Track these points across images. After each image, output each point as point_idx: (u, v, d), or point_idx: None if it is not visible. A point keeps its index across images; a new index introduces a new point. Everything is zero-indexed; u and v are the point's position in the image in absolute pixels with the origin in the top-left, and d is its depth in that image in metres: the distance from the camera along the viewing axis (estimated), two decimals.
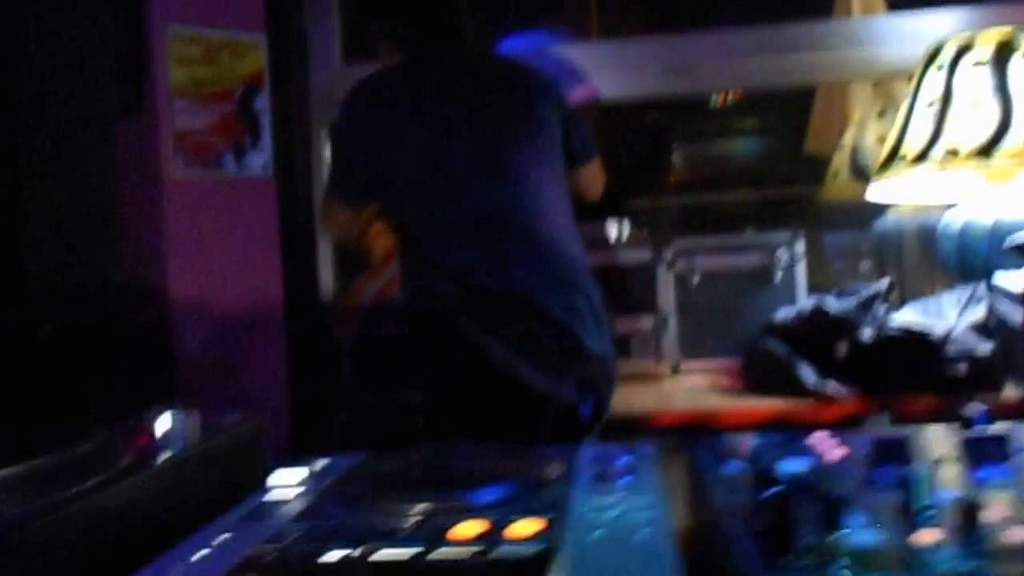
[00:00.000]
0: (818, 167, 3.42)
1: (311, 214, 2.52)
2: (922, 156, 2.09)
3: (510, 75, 2.05)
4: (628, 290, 2.47)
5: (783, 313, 2.25)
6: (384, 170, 1.93)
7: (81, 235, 2.32)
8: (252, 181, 2.32)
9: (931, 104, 2.13)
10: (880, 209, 2.64)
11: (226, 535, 0.66)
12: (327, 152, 2.67)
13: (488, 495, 0.66)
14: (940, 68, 2.14)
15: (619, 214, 2.53)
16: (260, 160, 2.32)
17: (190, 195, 2.25)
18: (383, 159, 1.93)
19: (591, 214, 2.42)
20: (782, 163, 3.65)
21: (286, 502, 0.74)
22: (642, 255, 2.48)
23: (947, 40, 2.15)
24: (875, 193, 2.28)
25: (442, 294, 1.94)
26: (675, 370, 2.45)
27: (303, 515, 0.69)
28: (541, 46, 2.70)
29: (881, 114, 2.76)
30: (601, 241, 2.50)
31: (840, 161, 2.82)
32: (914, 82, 2.21)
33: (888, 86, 3.13)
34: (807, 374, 2.06)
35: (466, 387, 1.88)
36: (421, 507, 0.65)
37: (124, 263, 2.29)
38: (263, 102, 2.33)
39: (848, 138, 2.83)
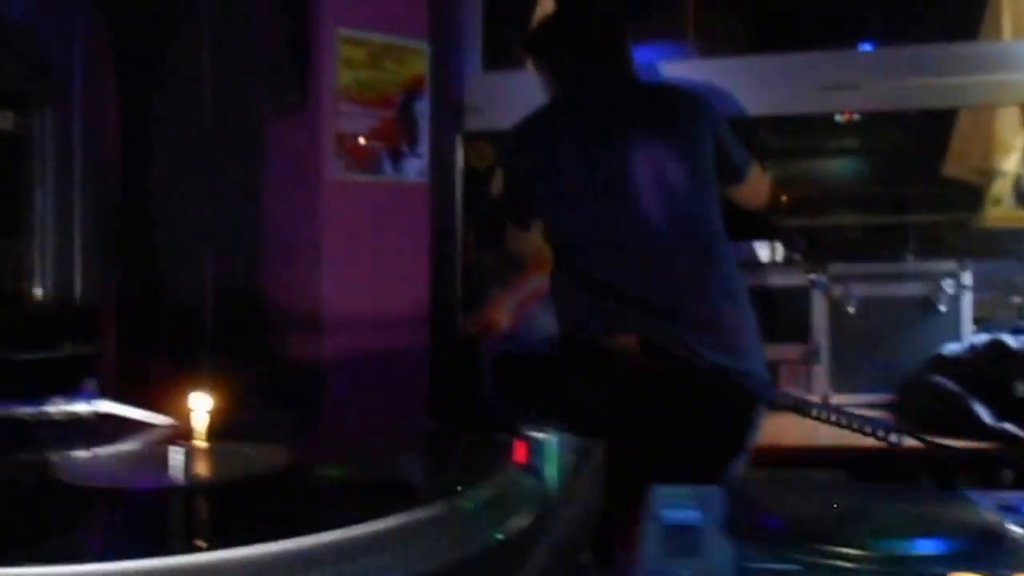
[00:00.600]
0: (960, 191, 3.31)
1: (456, 221, 2.51)
2: None
3: (665, 97, 2.07)
4: (779, 315, 2.40)
5: (951, 348, 2.16)
6: (549, 196, 1.99)
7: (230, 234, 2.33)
8: (408, 186, 2.31)
9: None
10: None
11: None
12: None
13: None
14: None
15: (771, 234, 2.46)
16: (417, 166, 2.31)
17: (348, 196, 2.24)
18: (548, 186, 1.99)
19: (741, 233, 2.36)
20: (919, 185, 3.53)
21: None
22: (796, 279, 2.41)
23: None
24: None
25: (603, 314, 1.93)
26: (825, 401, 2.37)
27: None
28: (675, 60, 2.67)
29: None
30: (751, 263, 2.43)
31: (1002, 187, 2.71)
32: None
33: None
34: (983, 413, 1.97)
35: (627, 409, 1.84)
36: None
37: (277, 262, 2.29)
38: (423, 107, 2.32)
39: (1011, 164, 2.71)
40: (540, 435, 0.83)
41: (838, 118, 4.15)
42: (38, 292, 2.22)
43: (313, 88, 2.21)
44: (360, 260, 2.24)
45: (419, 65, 2.32)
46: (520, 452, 0.83)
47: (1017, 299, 2.61)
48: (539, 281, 2.42)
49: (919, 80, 2.64)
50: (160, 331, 2.45)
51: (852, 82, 2.63)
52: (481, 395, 2.44)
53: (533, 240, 2.16)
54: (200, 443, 0.78)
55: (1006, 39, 3.08)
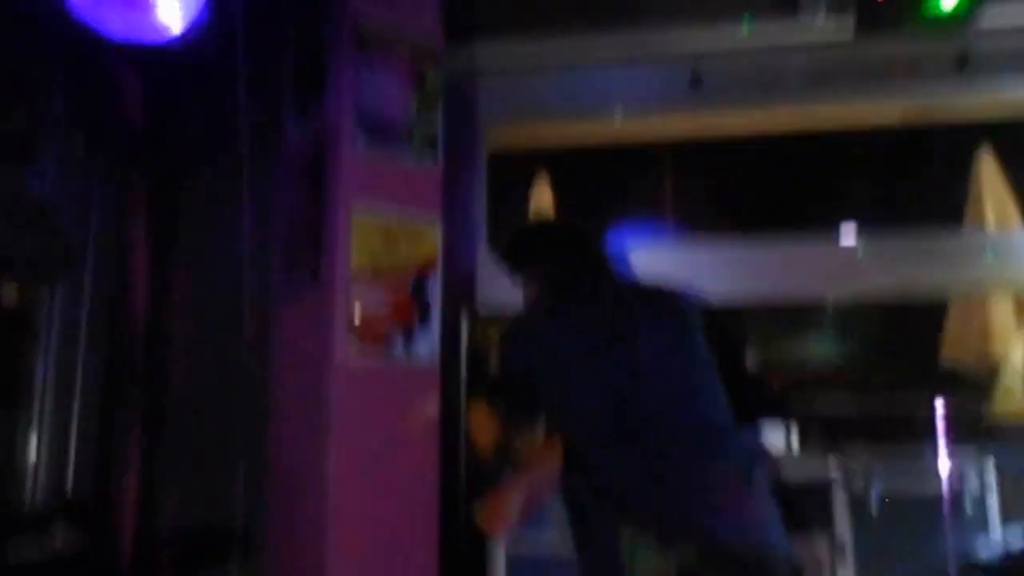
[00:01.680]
0: (960, 381, 3.29)
1: (462, 403, 2.44)
2: None
3: (652, 295, 2.06)
4: (797, 510, 2.30)
5: (985, 549, 2.06)
6: (551, 392, 1.94)
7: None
8: (418, 367, 2.23)
9: None
10: None
11: None
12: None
13: None
14: None
15: (782, 416, 2.39)
16: (427, 346, 2.25)
17: (359, 377, 2.16)
18: (549, 385, 1.94)
19: (751, 417, 2.30)
20: (912, 371, 3.53)
21: None
22: (814, 471, 2.32)
23: None
24: None
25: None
26: None
27: None
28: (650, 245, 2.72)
29: None
30: (763, 452, 2.35)
31: (1012, 378, 2.69)
32: None
33: None
34: None
35: None
36: None
37: (283, 444, 2.19)
38: (434, 286, 2.28)
39: (1018, 354, 2.71)
40: None
41: (826, 304, 4.21)
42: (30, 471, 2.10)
43: (327, 265, 2.17)
44: (369, 444, 2.14)
45: (432, 243, 2.30)
46: None
47: None
48: (549, 469, 2.32)
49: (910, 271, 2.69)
50: None
51: (842, 272, 2.67)
52: None
53: (537, 437, 2.10)
54: None
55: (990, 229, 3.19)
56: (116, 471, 2.32)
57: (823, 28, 2.66)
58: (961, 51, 2.62)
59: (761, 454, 2.22)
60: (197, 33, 2.16)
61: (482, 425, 2.14)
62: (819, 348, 4.33)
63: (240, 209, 2.33)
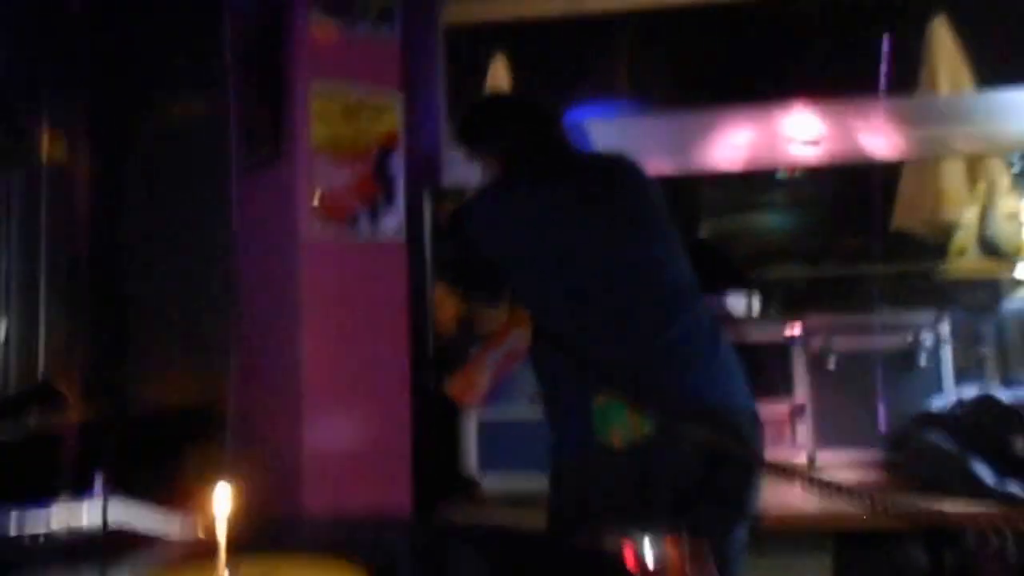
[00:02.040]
0: (910, 244, 3.37)
1: (428, 279, 2.43)
2: None
3: (608, 165, 2.07)
4: (761, 371, 2.37)
5: (938, 404, 2.16)
6: (514, 269, 1.96)
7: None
8: (385, 243, 2.21)
9: None
10: (1005, 290, 2.58)
11: None
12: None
13: None
14: None
15: (744, 286, 2.43)
16: (393, 223, 2.22)
17: (326, 255, 2.13)
18: (513, 261, 1.96)
19: (713, 286, 2.34)
20: (868, 238, 3.60)
21: None
22: (774, 334, 2.39)
23: None
24: None
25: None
26: (811, 462, 2.34)
27: None
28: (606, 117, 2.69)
29: (1013, 190, 2.72)
30: (725, 317, 2.40)
31: (966, 238, 2.76)
32: None
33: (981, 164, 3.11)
34: (984, 473, 1.96)
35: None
36: None
37: (252, 323, 2.18)
38: (397, 163, 2.24)
39: (971, 215, 2.77)
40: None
41: (781, 174, 4.24)
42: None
43: (289, 142, 2.11)
44: (339, 320, 2.13)
45: (393, 119, 2.24)
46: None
47: (986, 350, 2.64)
48: (517, 339, 2.35)
49: (869, 134, 2.70)
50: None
51: (820, 135, 2.66)
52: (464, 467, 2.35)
53: (501, 310, 2.11)
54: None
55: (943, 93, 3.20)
56: (86, 356, 2.29)
57: None
58: None
59: (725, 317, 2.27)
60: None
61: (443, 303, 2.15)
62: (774, 218, 4.40)
63: (193, 88, 2.23)
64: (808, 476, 2.00)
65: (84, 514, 0.74)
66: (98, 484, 0.84)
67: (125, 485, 0.85)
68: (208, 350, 2.43)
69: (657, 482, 1.72)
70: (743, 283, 2.49)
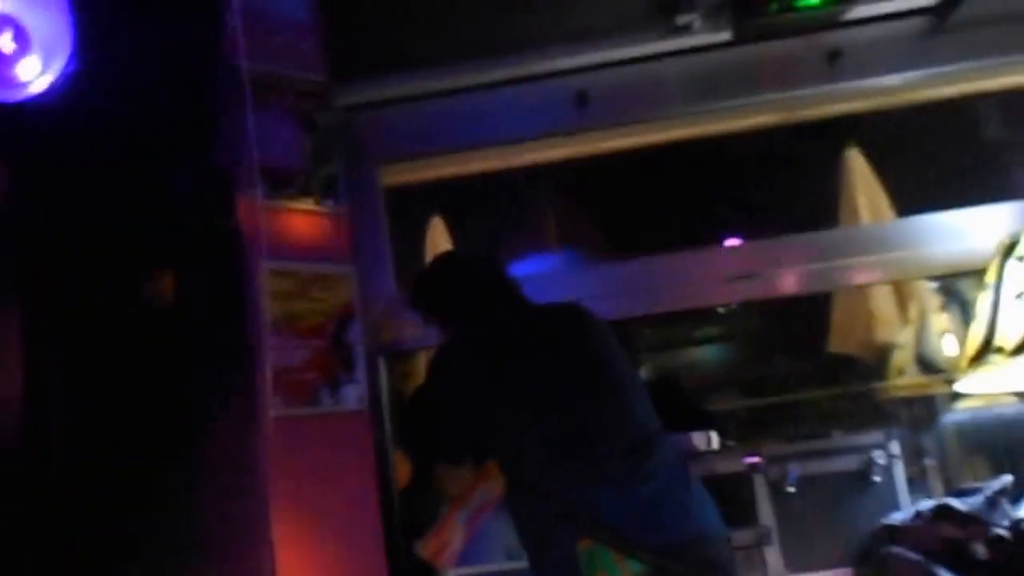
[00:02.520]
0: (847, 366, 3.51)
1: (388, 444, 2.46)
2: (1022, 347, 2.15)
3: (566, 316, 2.14)
4: (722, 503, 2.41)
5: (901, 516, 2.22)
6: (480, 420, 2.01)
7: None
8: (347, 414, 2.24)
9: (1020, 295, 2.21)
10: (944, 404, 2.70)
11: None
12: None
13: None
14: (1021, 259, 2.24)
15: (704, 424, 2.51)
16: (355, 393, 2.26)
17: (290, 431, 2.15)
18: (478, 413, 2.01)
19: (674, 425, 2.41)
20: (807, 363, 3.74)
21: None
22: (733, 464, 2.45)
23: (1022, 232, 2.26)
24: (968, 385, 2.32)
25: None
26: None
27: None
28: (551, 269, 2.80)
29: (942, 308, 2.87)
30: (689, 452, 2.46)
31: (903, 358, 2.90)
32: (993, 275, 2.29)
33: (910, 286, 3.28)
34: None
35: None
36: None
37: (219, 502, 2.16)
38: (355, 332, 2.30)
39: (906, 336, 2.92)
40: None
41: (719, 309, 4.39)
42: None
43: (250, 326, 2.16)
44: (309, 495, 2.13)
45: (347, 291, 2.32)
46: None
47: (930, 462, 2.74)
48: (484, 494, 2.36)
49: (808, 267, 2.84)
50: None
51: (752, 272, 2.78)
52: None
53: (463, 472, 2.15)
54: None
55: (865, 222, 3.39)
56: None
57: (700, 31, 2.74)
58: (833, 46, 2.74)
59: (689, 452, 2.34)
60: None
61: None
62: (711, 351, 4.54)
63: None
64: None
65: None
66: None
67: None
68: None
69: None
70: (705, 419, 2.57)
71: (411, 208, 3.47)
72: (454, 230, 3.57)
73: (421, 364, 3.09)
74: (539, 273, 2.93)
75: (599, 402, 1.96)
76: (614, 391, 2.00)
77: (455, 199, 3.58)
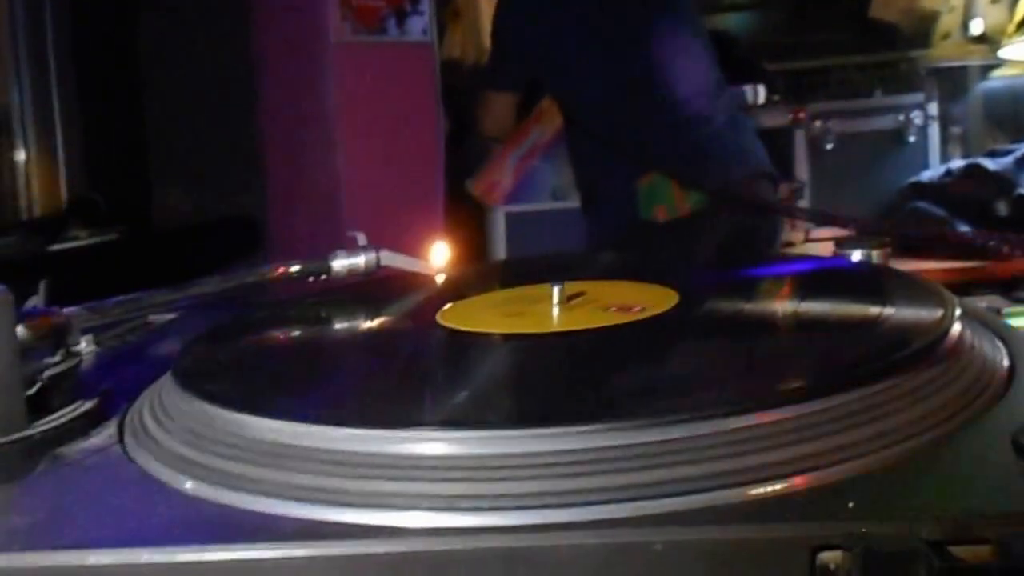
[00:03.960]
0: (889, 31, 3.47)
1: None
2: None
3: None
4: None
5: (929, 174, 2.35)
6: (543, 54, 2.01)
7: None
8: (413, 45, 2.27)
9: None
10: (981, 74, 2.74)
11: None
12: None
13: None
14: None
15: (754, 78, 2.55)
16: (420, 24, 2.27)
17: (356, 58, 2.19)
18: (542, 44, 2.00)
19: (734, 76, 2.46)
20: (848, 28, 3.68)
21: None
22: (778, 120, 2.54)
23: None
24: (1012, 52, 2.36)
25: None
26: (807, 238, 2.54)
27: None
28: None
29: None
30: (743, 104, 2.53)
31: (951, 22, 2.88)
32: None
33: None
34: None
35: None
36: None
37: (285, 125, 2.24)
38: None
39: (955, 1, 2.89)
40: None
41: None
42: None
43: None
44: (372, 120, 2.22)
45: None
46: None
47: (957, 129, 2.83)
48: (538, 135, 2.46)
49: None
50: None
51: None
52: None
53: (511, 102, 2.19)
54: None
55: None
56: (109, 173, 2.34)
57: None
58: None
59: (742, 104, 2.41)
60: None
61: (493, 105, 2.20)
62: (747, 16, 4.42)
63: None
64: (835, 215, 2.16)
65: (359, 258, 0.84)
66: None
67: None
68: (236, 159, 2.49)
69: (697, 252, 1.91)
70: (756, 73, 2.61)
71: None
72: None
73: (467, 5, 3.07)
74: None
75: (670, 47, 1.99)
76: (683, 37, 2.02)
77: None
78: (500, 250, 2.51)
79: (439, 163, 2.35)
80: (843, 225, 1.82)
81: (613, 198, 2.00)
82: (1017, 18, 2.30)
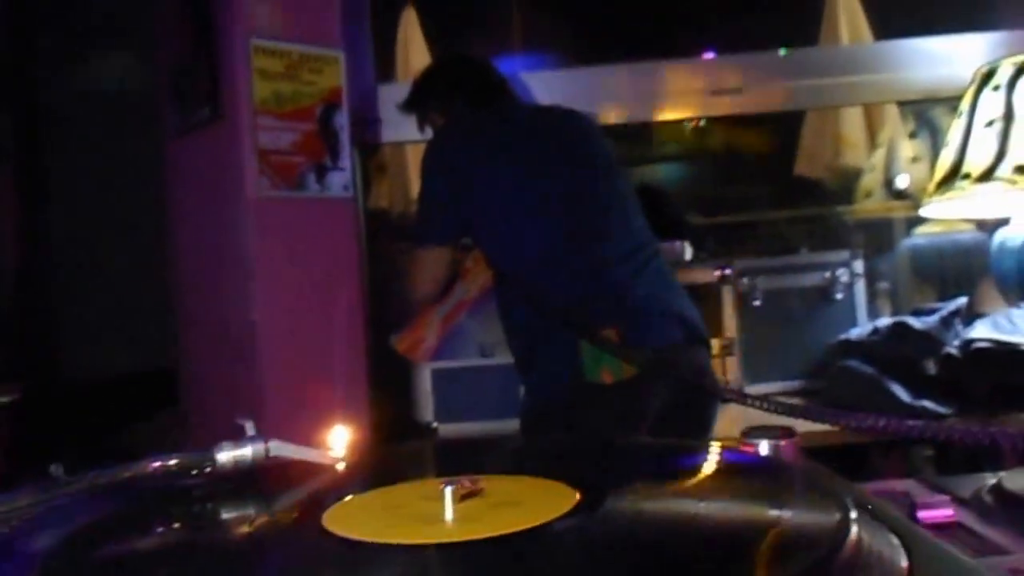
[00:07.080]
0: (812, 187, 3.58)
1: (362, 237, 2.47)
2: (988, 174, 2.20)
3: (564, 118, 2.13)
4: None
5: (858, 331, 2.34)
6: (476, 207, 2.01)
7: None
8: (334, 200, 2.23)
9: (990, 124, 2.24)
10: (908, 228, 2.79)
11: None
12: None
13: None
14: (997, 88, 2.26)
15: (680, 235, 2.56)
16: (341, 179, 2.24)
17: (274, 214, 2.14)
18: (475, 197, 2.00)
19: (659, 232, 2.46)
20: (773, 184, 3.79)
21: None
22: (704, 276, 2.53)
23: (1000, 62, 2.28)
24: (933, 210, 2.39)
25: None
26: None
27: None
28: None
29: (912, 135, 2.92)
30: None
31: (873, 180, 2.96)
32: (967, 103, 2.31)
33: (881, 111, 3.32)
34: (900, 393, 2.15)
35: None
36: None
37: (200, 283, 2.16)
38: (341, 120, 2.25)
39: (876, 159, 2.97)
40: None
41: (685, 124, 4.39)
42: None
43: (229, 102, 2.10)
44: (291, 279, 2.15)
45: (336, 76, 2.24)
46: None
47: (884, 285, 2.87)
48: (463, 292, 2.41)
49: (786, 83, 2.85)
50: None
51: (733, 87, 2.79)
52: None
53: (445, 258, 2.15)
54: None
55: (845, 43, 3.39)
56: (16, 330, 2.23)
57: None
58: None
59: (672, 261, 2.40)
60: None
61: (424, 263, 2.16)
62: (674, 168, 4.56)
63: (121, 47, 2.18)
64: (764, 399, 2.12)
65: (247, 450, 0.77)
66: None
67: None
68: (147, 315, 2.41)
69: (643, 413, 1.84)
70: (682, 229, 2.62)
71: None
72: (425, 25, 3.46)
73: (393, 158, 3.08)
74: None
75: (602, 204, 1.98)
76: (616, 195, 2.01)
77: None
78: (427, 406, 2.42)
79: (361, 318, 2.27)
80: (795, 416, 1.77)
81: (554, 361, 1.92)
82: (937, 177, 2.34)
